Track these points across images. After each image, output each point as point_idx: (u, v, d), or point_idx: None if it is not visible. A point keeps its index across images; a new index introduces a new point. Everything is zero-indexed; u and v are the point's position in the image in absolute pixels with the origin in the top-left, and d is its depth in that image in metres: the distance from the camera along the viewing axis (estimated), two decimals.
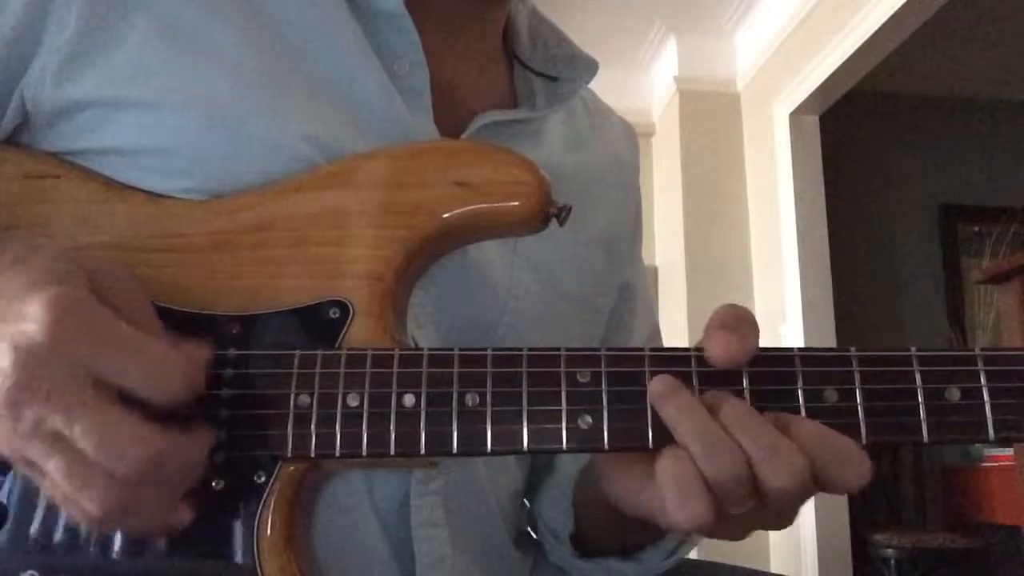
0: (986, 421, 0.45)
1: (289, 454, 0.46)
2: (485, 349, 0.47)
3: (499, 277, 0.62)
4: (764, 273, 3.54)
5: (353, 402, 0.46)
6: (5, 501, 0.46)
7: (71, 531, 0.46)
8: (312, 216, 0.52)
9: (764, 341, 0.46)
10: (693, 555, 0.67)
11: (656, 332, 0.81)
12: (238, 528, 0.46)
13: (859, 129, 4.23)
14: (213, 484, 0.46)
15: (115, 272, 0.43)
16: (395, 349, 0.48)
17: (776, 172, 3.42)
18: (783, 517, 0.46)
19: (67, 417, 0.38)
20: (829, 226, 3.34)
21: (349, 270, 0.50)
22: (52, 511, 0.46)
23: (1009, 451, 3.02)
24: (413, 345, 0.55)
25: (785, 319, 3.29)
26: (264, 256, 0.51)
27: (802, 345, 0.49)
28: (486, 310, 0.61)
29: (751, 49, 3.71)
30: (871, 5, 2.85)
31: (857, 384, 0.46)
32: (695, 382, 0.46)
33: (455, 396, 0.46)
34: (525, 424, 0.45)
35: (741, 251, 3.64)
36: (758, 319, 0.47)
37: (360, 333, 0.49)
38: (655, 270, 3.86)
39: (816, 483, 0.43)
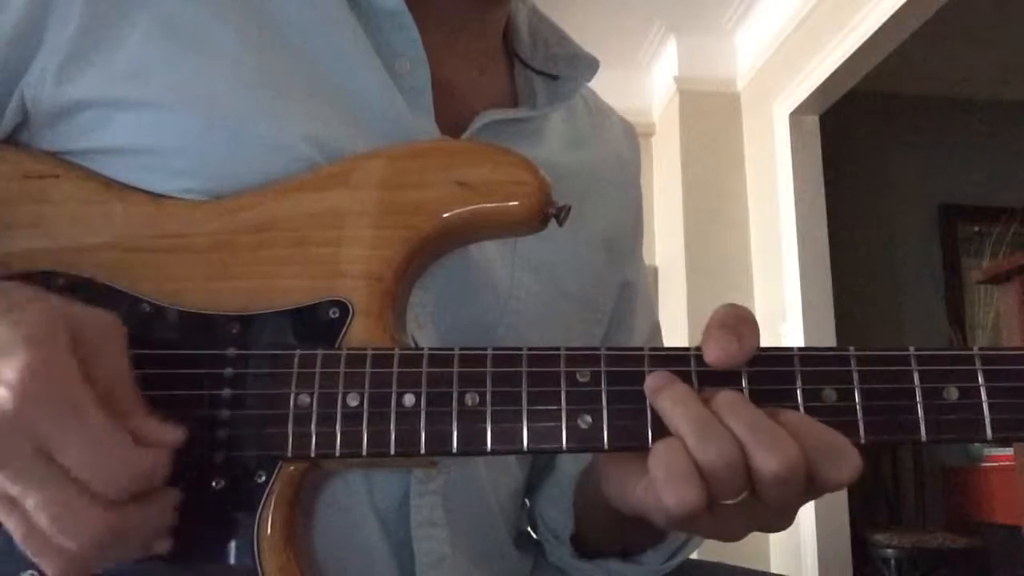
0: (984, 420, 0.45)
1: (289, 454, 0.46)
2: (485, 349, 0.47)
3: (499, 277, 0.62)
4: (764, 273, 3.54)
5: (353, 402, 0.46)
6: None
7: None
8: (312, 216, 0.52)
9: (764, 341, 0.46)
10: (693, 555, 0.67)
11: (657, 331, 0.81)
12: (238, 528, 0.46)
13: (859, 129, 4.23)
14: (213, 484, 0.46)
15: (102, 338, 0.42)
16: (395, 349, 0.48)
17: (776, 172, 3.42)
18: (781, 516, 0.46)
19: (22, 488, 0.38)
20: (829, 226, 3.34)
21: (349, 270, 0.50)
22: None
23: (1009, 451, 3.02)
24: (413, 345, 0.55)
25: (785, 319, 3.29)
26: (264, 256, 0.51)
27: (802, 345, 0.49)
28: (486, 310, 0.61)
29: (751, 49, 3.71)
30: (871, 5, 2.85)
31: (856, 384, 0.46)
32: (695, 381, 0.46)
33: (455, 396, 0.46)
34: (525, 424, 0.46)
35: (741, 251, 3.64)
36: (758, 319, 0.47)
37: (360, 333, 0.49)
38: (655, 270, 3.86)
39: (809, 480, 0.43)
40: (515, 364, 0.47)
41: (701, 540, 0.64)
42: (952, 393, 0.45)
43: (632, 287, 0.77)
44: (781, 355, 0.46)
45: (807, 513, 3.10)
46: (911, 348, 0.46)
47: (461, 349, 0.47)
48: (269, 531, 0.46)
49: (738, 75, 3.81)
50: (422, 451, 0.46)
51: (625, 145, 0.81)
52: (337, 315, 0.50)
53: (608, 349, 0.47)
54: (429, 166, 0.52)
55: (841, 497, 3.18)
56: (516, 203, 0.51)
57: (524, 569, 0.70)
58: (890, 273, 4.26)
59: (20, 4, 0.53)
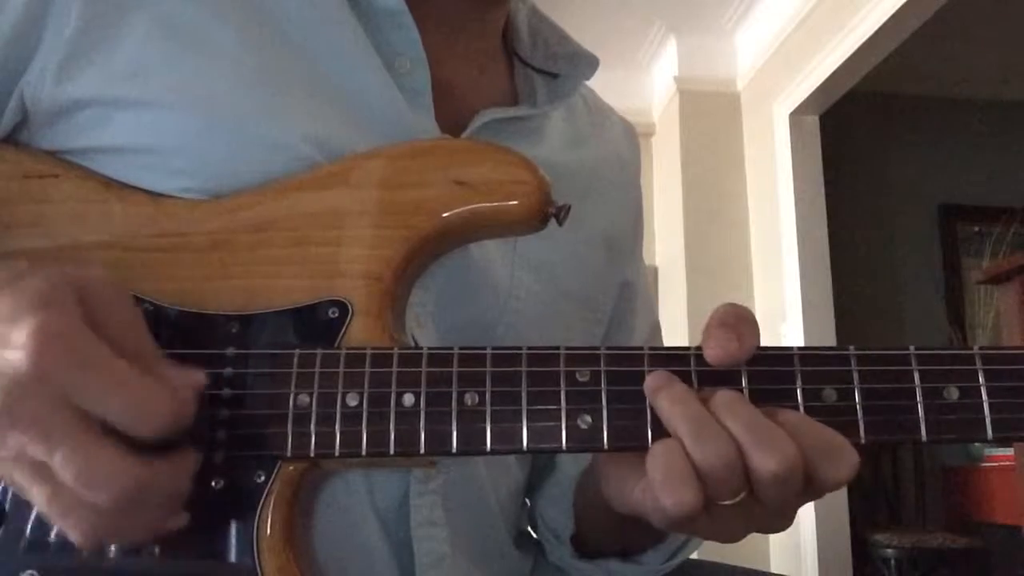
0: (984, 420, 0.45)
1: (289, 454, 0.46)
2: (484, 348, 0.47)
3: (499, 276, 0.62)
4: (764, 273, 3.54)
5: (352, 401, 0.46)
6: (3, 501, 0.46)
7: None
8: (312, 216, 0.52)
9: (764, 341, 0.46)
10: (693, 555, 0.67)
11: (657, 331, 0.81)
12: (238, 528, 0.46)
13: (859, 129, 4.23)
14: (213, 484, 0.46)
15: (110, 295, 0.42)
16: (394, 348, 0.48)
17: (776, 172, 3.42)
18: (780, 517, 0.45)
19: (47, 447, 0.38)
20: (829, 226, 3.34)
21: (348, 270, 0.50)
22: None
23: (1009, 451, 3.02)
24: (413, 344, 0.55)
25: (785, 319, 3.29)
26: (263, 256, 0.51)
27: (802, 345, 0.48)
28: (486, 309, 0.61)
29: (751, 49, 3.71)
30: (871, 5, 2.85)
31: (856, 383, 0.46)
32: (695, 381, 0.46)
33: (454, 395, 0.46)
34: (524, 423, 0.45)
35: (741, 251, 3.64)
36: (758, 319, 0.47)
37: (359, 333, 0.49)
38: (655, 270, 3.86)
39: (807, 480, 0.43)
40: (515, 364, 0.47)
41: (701, 540, 0.64)
42: (952, 393, 0.45)
43: (632, 287, 0.77)
44: (781, 354, 0.46)
45: (807, 513, 3.10)
46: (911, 348, 0.46)
47: (460, 349, 0.47)
48: (268, 531, 0.46)
49: (738, 75, 3.81)
50: (422, 451, 0.46)
51: (625, 145, 0.81)
52: (336, 315, 0.49)
53: (608, 349, 0.47)
54: (429, 165, 0.52)
55: (841, 497, 3.18)
56: (516, 202, 0.51)
57: (524, 569, 0.70)
58: (890, 273, 4.26)
59: (19, 3, 0.53)
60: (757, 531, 0.46)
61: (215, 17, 0.56)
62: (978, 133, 4.43)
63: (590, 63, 0.72)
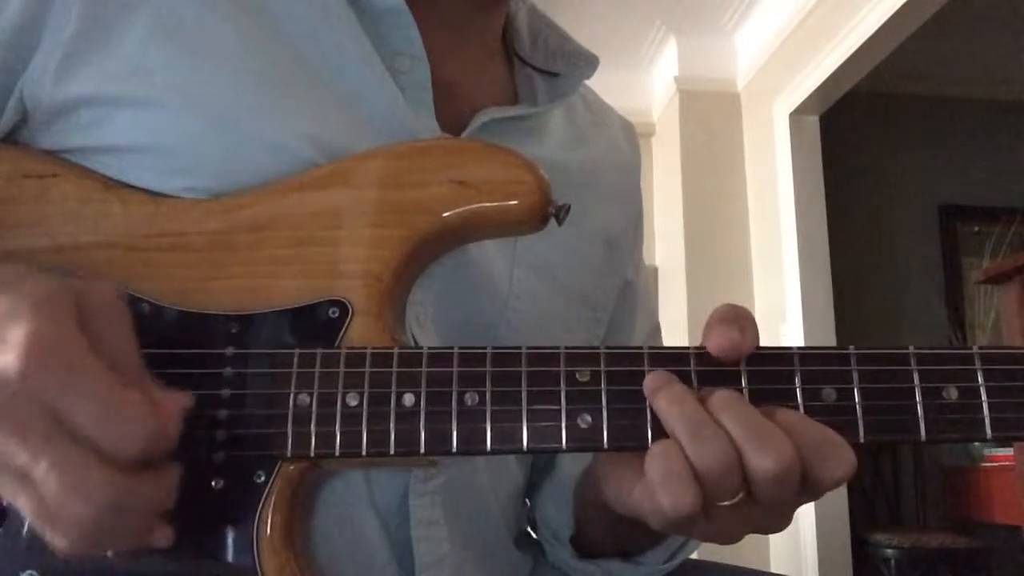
0: (984, 420, 0.45)
1: (289, 454, 0.46)
2: (484, 348, 0.47)
3: (500, 276, 0.62)
4: (764, 273, 3.54)
5: (353, 401, 0.46)
6: (3, 501, 0.46)
7: None
8: (311, 215, 0.52)
9: (764, 341, 0.46)
10: (693, 555, 0.67)
11: (657, 331, 0.81)
12: (238, 528, 0.46)
13: (859, 129, 4.23)
14: (213, 484, 0.46)
15: (105, 306, 0.42)
16: (394, 348, 0.48)
17: (776, 172, 3.42)
18: (778, 517, 0.45)
19: (30, 456, 0.38)
20: (829, 226, 3.34)
21: (348, 270, 0.50)
22: None
23: (1009, 451, 3.02)
24: (413, 344, 0.55)
25: (785, 319, 3.29)
26: (263, 255, 0.51)
27: (802, 344, 0.48)
28: (486, 309, 0.61)
29: (751, 49, 3.71)
30: (871, 5, 2.85)
31: (855, 383, 0.46)
32: (694, 381, 0.46)
33: (455, 395, 0.46)
34: (524, 423, 0.45)
35: (741, 251, 3.64)
36: (758, 319, 0.47)
37: (359, 332, 0.49)
38: (655, 270, 3.86)
39: (804, 479, 0.43)
40: (515, 363, 0.47)
41: (699, 542, 0.64)
42: (952, 393, 0.45)
43: (632, 286, 0.77)
44: (781, 354, 0.46)
45: (807, 513, 3.10)
46: (911, 347, 0.46)
47: (460, 348, 0.47)
48: (268, 531, 0.46)
49: (738, 75, 3.81)
50: (422, 451, 0.46)
51: (625, 144, 0.81)
52: (336, 315, 0.49)
53: (608, 348, 0.47)
54: (428, 165, 0.52)
55: (841, 497, 3.18)
56: (516, 202, 0.51)
57: (524, 569, 0.70)
58: (890, 273, 4.26)
59: (19, 3, 0.53)
60: (755, 532, 0.46)
61: (215, 17, 0.56)
62: (978, 133, 4.43)
63: (590, 62, 0.72)
